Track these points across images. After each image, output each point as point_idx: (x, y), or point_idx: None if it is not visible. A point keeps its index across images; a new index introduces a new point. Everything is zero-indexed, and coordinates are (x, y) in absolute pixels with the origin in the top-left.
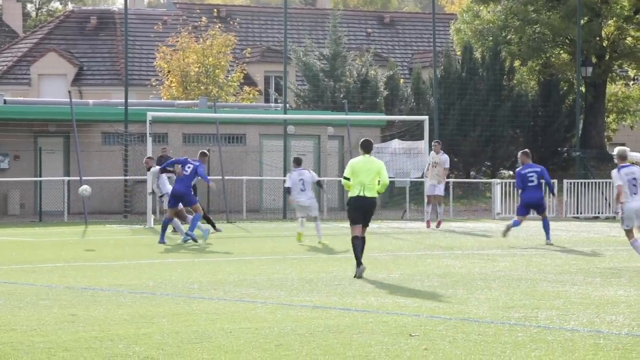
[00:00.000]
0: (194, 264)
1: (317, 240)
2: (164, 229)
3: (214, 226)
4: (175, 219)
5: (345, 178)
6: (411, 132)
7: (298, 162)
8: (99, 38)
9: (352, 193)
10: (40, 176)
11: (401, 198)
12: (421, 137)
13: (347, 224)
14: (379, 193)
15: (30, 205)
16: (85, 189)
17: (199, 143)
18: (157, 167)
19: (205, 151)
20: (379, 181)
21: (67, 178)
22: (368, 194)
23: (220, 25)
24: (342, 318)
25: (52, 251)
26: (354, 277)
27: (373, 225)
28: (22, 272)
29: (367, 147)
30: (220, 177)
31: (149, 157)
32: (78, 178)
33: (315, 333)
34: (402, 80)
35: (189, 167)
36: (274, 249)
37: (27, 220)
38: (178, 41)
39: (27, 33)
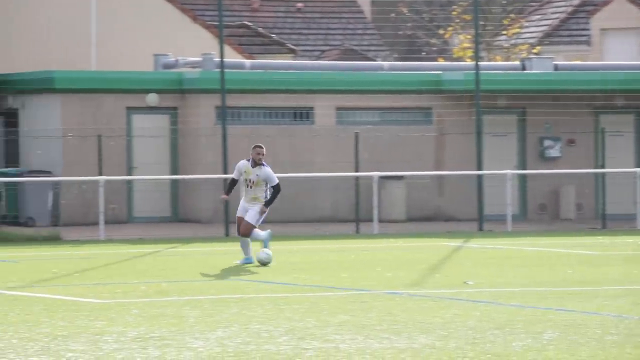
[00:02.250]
0: None
1: None
2: None
3: None
4: None
5: None
6: None
7: None
8: None
9: None
10: (603, 167)
11: None
12: None
13: None
14: None
15: (590, 206)
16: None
17: None
18: None
19: None
20: None
21: (638, 170)
22: None
23: None
24: None
25: (621, 269)
26: None
27: None
28: (581, 296)
29: None
30: None
31: None
32: None
33: None
34: None
35: None
36: None
37: (586, 227)
38: None
39: None
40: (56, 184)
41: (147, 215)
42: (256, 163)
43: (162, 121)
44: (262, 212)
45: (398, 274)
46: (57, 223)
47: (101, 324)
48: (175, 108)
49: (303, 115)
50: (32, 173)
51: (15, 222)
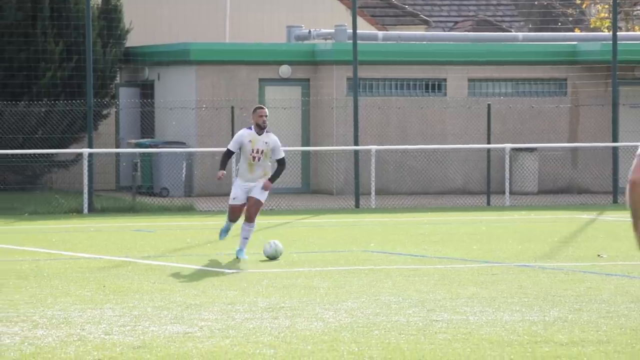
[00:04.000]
0: None
1: None
2: None
3: None
4: None
5: None
6: None
7: None
8: None
9: None
10: None
11: None
12: None
13: None
14: None
15: None
16: None
17: None
18: None
19: None
20: None
21: None
22: None
23: None
24: None
25: None
26: None
27: None
28: None
29: None
30: None
31: None
32: None
33: None
34: None
35: None
36: None
37: None
38: None
39: None
40: (190, 155)
41: (278, 186)
42: (261, 129)
43: (294, 92)
44: (267, 189)
45: (529, 247)
46: (191, 194)
47: (233, 293)
48: (307, 79)
49: (435, 86)
50: (166, 144)
51: (150, 192)
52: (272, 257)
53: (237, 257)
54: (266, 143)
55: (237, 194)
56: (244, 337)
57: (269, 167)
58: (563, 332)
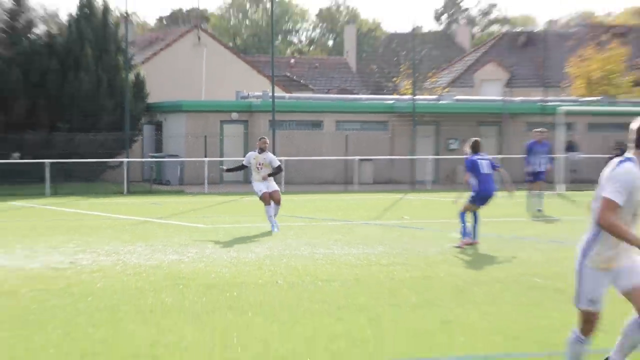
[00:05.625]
0: None
1: None
2: None
3: None
4: None
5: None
6: None
7: None
8: (526, 51)
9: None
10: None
11: None
12: None
13: None
14: None
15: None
16: None
17: (600, 132)
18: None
19: None
20: None
21: (500, 156)
22: None
23: (617, 40)
24: None
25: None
26: None
27: None
28: None
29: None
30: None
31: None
32: (502, 156)
33: None
34: None
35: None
36: None
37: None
38: (585, 53)
39: (472, 49)
40: (182, 162)
41: (232, 179)
42: (262, 150)
43: (239, 128)
44: (265, 179)
45: (368, 213)
46: (182, 183)
47: (204, 239)
48: (246, 120)
49: (317, 125)
50: (169, 156)
51: (160, 182)
52: None
53: (272, 231)
54: (264, 159)
55: (260, 187)
56: (211, 262)
57: (269, 171)
58: (385, 258)
